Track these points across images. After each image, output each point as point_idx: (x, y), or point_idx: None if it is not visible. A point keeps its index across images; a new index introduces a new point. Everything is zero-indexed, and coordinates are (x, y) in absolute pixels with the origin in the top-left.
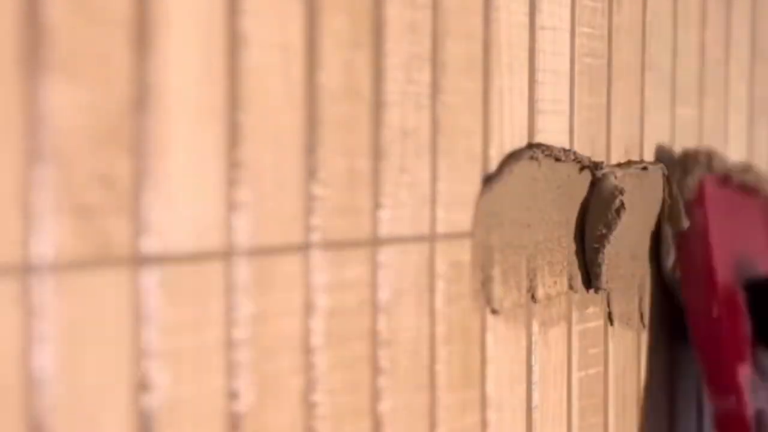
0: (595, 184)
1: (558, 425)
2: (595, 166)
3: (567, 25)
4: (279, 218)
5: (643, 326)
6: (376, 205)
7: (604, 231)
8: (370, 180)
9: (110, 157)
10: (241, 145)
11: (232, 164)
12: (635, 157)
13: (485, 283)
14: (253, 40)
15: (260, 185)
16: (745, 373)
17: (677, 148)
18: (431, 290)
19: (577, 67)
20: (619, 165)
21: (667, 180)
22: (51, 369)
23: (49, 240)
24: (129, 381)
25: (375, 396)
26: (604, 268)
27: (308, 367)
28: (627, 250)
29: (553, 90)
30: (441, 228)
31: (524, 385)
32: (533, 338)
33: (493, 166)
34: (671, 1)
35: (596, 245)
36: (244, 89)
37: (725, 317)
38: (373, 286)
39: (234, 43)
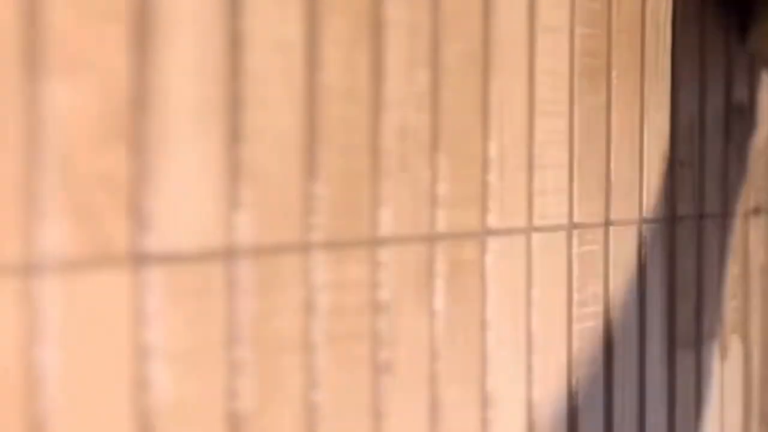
0: None
1: (558, 425)
2: None
3: (566, 26)
4: (279, 217)
5: None
6: (376, 205)
7: None
8: (370, 180)
9: (111, 156)
10: (242, 145)
11: (233, 164)
12: (634, 157)
13: None
14: (253, 40)
15: (261, 185)
16: None
17: (678, 149)
18: (431, 290)
19: (576, 68)
20: None
21: None
22: (52, 369)
23: (51, 239)
24: (130, 381)
25: (375, 396)
26: None
27: (309, 366)
28: None
29: (552, 90)
30: (441, 228)
31: (524, 384)
32: (533, 338)
33: (494, 166)
34: (672, 1)
35: None
36: (244, 89)
37: None
38: (373, 285)
39: (234, 42)
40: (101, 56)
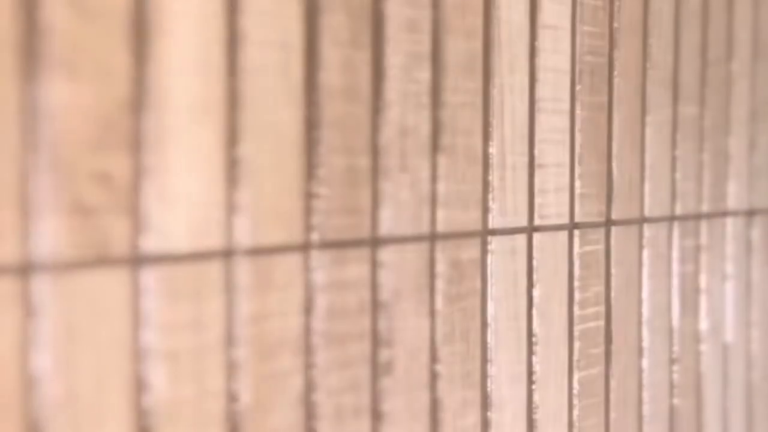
0: None
1: (558, 425)
2: None
3: (568, 24)
4: (279, 217)
5: None
6: (376, 205)
7: None
8: (370, 179)
9: (109, 155)
10: (241, 144)
11: (232, 163)
12: (636, 155)
13: None
14: (252, 39)
15: (260, 184)
16: None
17: (679, 147)
18: (431, 290)
19: (578, 66)
20: None
21: None
22: (50, 369)
23: (48, 239)
24: (128, 381)
25: (375, 396)
26: None
27: (308, 367)
28: None
29: (553, 89)
30: (441, 228)
31: (525, 385)
32: (534, 338)
33: (494, 165)
34: None
35: None
36: (243, 88)
37: None
38: (373, 286)
39: (233, 41)
40: (99, 54)
